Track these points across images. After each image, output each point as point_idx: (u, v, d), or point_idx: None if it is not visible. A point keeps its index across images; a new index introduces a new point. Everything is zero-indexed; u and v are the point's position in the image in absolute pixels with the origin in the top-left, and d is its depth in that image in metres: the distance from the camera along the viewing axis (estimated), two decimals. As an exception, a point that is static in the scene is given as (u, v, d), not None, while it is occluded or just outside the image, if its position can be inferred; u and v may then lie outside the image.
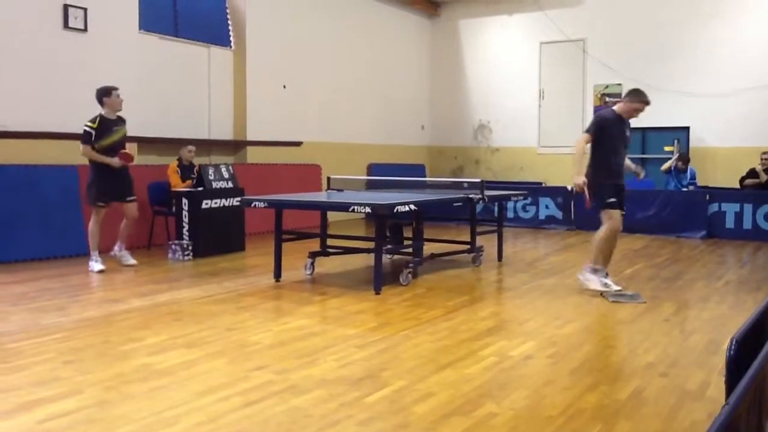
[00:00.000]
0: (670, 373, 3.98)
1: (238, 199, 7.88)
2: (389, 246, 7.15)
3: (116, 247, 7.55)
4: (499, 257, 8.14)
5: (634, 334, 4.95)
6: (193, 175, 8.66)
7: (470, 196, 7.26)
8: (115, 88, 7.23)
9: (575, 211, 11.45)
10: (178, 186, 8.61)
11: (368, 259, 7.29)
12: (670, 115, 12.44)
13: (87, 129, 7.06)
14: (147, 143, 9.39)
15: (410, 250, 7.26)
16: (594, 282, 6.19)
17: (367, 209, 6.00)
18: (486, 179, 8.26)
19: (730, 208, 10.42)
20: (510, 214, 11.72)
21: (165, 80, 9.85)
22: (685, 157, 11.42)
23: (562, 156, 13.79)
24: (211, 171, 8.60)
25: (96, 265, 7.15)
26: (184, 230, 8.23)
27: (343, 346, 4.44)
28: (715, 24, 12.36)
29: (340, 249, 7.41)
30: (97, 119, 7.09)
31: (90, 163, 7.21)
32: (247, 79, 11.02)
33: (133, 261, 7.51)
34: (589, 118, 13.44)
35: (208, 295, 6.08)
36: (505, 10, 14.41)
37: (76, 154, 8.39)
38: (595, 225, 6.78)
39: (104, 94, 7.15)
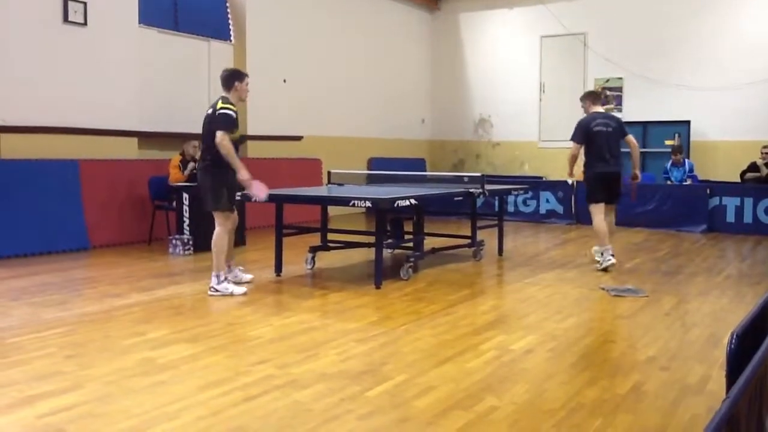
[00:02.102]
0: (670, 367, 3.98)
1: (239, 193, 7.87)
2: (390, 240, 7.15)
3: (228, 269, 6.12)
4: (500, 251, 8.14)
5: (634, 328, 4.95)
6: (193, 171, 8.63)
7: (471, 190, 7.24)
8: (247, 75, 6.14)
9: (576, 206, 11.45)
10: (177, 180, 8.60)
11: (369, 254, 7.29)
12: (671, 108, 12.43)
13: (232, 112, 5.76)
14: (146, 138, 9.37)
15: (411, 244, 7.27)
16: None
17: (368, 203, 5.99)
18: (487, 173, 8.25)
19: (731, 202, 10.42)
20: (510, 209, 11.73)
21: (165, 74, 9.83)
22: (676, 149, 11.34)
23: (563, 150, 13.80)
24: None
25: (237, 288, 5.83)
26: (185, 225, 8.22)
27: (343, 341, 4.45)
28: (716, 17, 12.33)
29: (340, 243, 7.41)
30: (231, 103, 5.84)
31: (213, 160, 5.86)
32: (247, 74, 10.96)
33: (248, 276, 6.35)
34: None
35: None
36: (505, 4, 14.37)
37: (77, 148, 8.44)
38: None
39: (237, 77, 6.04)
